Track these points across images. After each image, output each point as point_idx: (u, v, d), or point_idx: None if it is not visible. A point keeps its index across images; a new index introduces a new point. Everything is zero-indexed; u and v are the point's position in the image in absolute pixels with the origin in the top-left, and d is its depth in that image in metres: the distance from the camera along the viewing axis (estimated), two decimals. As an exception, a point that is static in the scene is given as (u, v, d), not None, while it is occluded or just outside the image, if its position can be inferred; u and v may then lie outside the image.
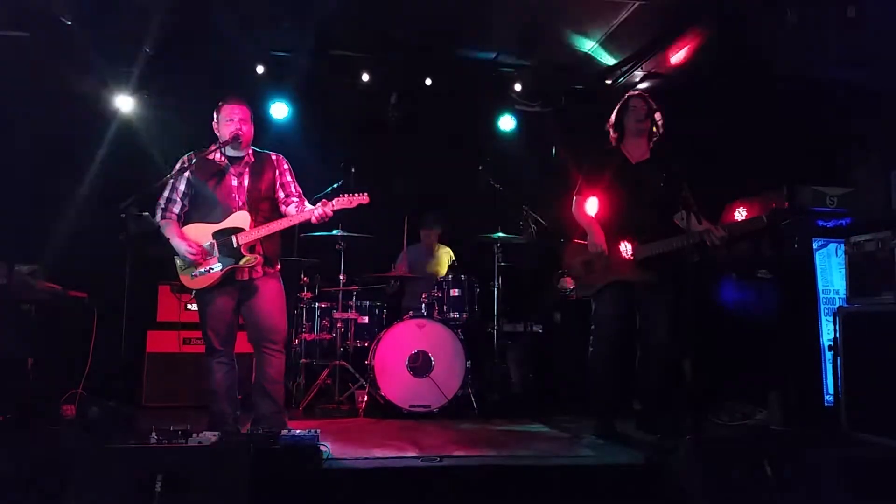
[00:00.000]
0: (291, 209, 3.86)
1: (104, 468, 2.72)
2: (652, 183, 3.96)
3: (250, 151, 3.90)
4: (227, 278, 3.72)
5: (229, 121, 3.80)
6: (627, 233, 3.98)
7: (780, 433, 4.23)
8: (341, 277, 5.33)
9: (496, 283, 5.37)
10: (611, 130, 4.19)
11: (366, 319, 5.45)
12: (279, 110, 6.09)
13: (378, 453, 3.53)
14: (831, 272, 4.47)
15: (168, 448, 2.90)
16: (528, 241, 5.50)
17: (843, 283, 4.21)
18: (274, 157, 3.96)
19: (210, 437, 3.02)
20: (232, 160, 3.85)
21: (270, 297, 3.79)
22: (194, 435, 3.02)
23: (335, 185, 5.10)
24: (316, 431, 3.22)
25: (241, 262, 3.70)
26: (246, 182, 3.83)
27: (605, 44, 5.53)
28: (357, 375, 5.15)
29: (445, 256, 6.11)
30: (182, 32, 5.38)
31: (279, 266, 3.91)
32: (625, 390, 4.17)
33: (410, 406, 4.80)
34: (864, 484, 3.01)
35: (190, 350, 5.07)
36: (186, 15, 5.12)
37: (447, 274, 5.44)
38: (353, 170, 4.90)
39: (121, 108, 5.85)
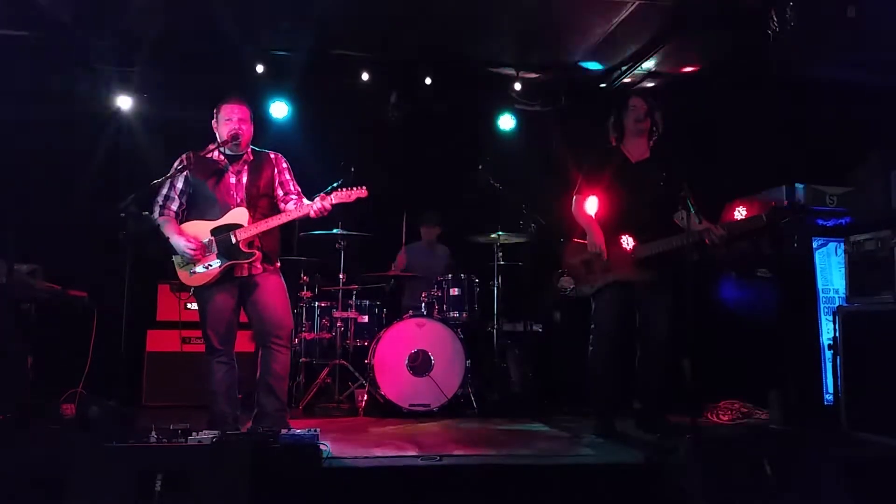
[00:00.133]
0: (290, 206, 3.86)
1: (104, 467, 2.72)
2: (652, 182, 3.97)
3: (249, 150, 3.91)
4: (227, 275, 3.73)
5: (228, 120, 3.80)
6: (627, 232, 3.98)
7: (779, 432, 4.24)
8: (341, 276, 5.33)
9: (496, 283, 5.38)
10: (610, 130, 4.19)
11: (365, 318, 5.45)
12: (279, 109, 6.08)
13: (378, 452, 3.53)
14: (831, 271, 4.47)
15: (168, 447, 2.90)
16: (528, 240, 5.50)
17: (843, 282, 4.21)
18: (273, 156, 3.97)
19: (210, 436, 3.02)
20: (231, 159, 3.85)
21: (274, 292, 3.80)
22: (194, 434, 3.01)
23: (335, 185, 5.09)
24: (316, 430, 3.22)
25: (240, 259, 3.70)
26: (244, 179, 3.84)
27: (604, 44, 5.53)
28: (357, 374, 5.15)
29: (445, 255, 6.11)
30: (182, 32, 5.38)
31: (279, 264, 3.91)
32: (625, 389, 4.17)
33: (410, 405, 4.80)
34: (863, 483, 3.01)
35: (190, 349, 5.06)
36: (186, 14, 5.11)
37: (447, 273, 5.45)
38: (352, 169, 4.90)
39: (121, 107, 5.85)
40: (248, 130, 3.86)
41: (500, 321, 5.37)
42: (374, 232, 5.42)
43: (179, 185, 3.81)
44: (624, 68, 5.88)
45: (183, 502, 2.66)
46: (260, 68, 5.85)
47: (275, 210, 3.88)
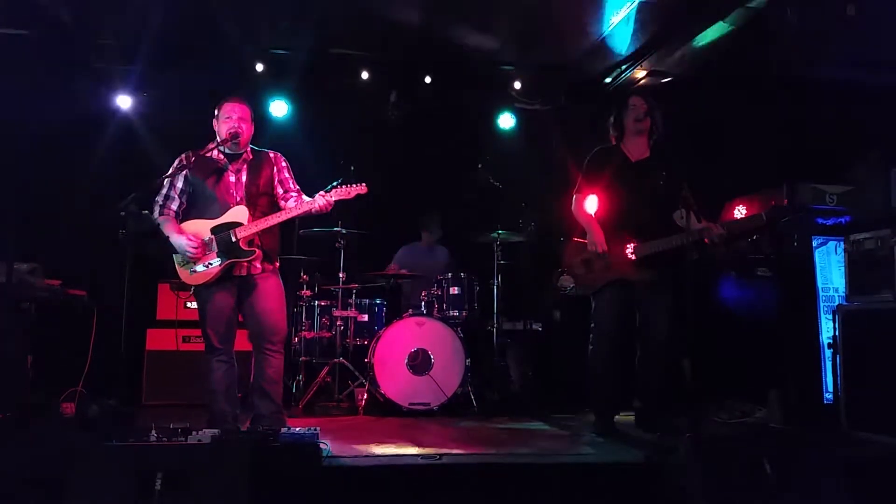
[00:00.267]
0: (290, 203, 3.86)
1: (104, 466, 2.72)
2: (652, 181, 3.96)
3: (249, 149, 3.91)
4: (226, 274, 3.73)
5: (228, 119, 3.80)
6: (627, 231, 3.98)
7: (779, 431, 4.23)
8: (341, 275, 5.33)
9: (496, 282, 5.38)
10: (610, 129, 4.19)
11: (365, 317, 5.45)
12: (279, 108, 6.08)
13: (378, 451, 3.53)
14: (831, 270, 4.47)
15: (168, 446, 2.89)
16: (528, 239, 5.50)
17: (843, 281, 4.21)
18: (272, 155, 3.97)
19: (210, 434, 3.02)
20: (230, 158, 3.86)
21: (270, 295, 3.79)
22: (194, 433, 3.00)
23: (335, 184, 5.09)
24: (315, 429, 3.21)
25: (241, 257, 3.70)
26: (244, 178, 3.84)
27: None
28: (357, 373, 5.15)
29: (444, 255, 6.11)
30: (182, 31, 5.38)
31: (278, 263, 3.92)
32: (624, 389, 4.17)
33: (410, 404, 4.80)
34: (863, 483, 3.01)
35: (189, 348, 5.06)
36: (186, 13, 5.11)
37: (446, 272, 5.45)
38: (352, 168, 4.90)
39: (121, 107, 5.85)
40: (247, 129, 3.86)
41: (500, 320, 5.38)
42: (373, 231, 5.42)
43: (179, 184, 3.81)
44: (624, 67, 5.88)
45: (183, 501, 2.67)
46: (260, 67, 5.85)
47: (274, 208, 3.88)
